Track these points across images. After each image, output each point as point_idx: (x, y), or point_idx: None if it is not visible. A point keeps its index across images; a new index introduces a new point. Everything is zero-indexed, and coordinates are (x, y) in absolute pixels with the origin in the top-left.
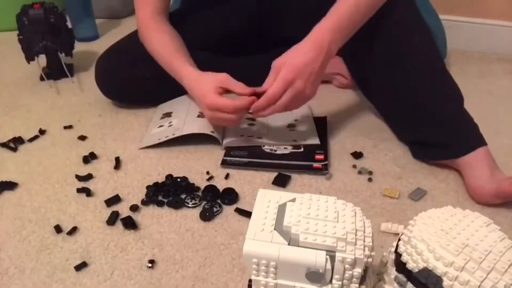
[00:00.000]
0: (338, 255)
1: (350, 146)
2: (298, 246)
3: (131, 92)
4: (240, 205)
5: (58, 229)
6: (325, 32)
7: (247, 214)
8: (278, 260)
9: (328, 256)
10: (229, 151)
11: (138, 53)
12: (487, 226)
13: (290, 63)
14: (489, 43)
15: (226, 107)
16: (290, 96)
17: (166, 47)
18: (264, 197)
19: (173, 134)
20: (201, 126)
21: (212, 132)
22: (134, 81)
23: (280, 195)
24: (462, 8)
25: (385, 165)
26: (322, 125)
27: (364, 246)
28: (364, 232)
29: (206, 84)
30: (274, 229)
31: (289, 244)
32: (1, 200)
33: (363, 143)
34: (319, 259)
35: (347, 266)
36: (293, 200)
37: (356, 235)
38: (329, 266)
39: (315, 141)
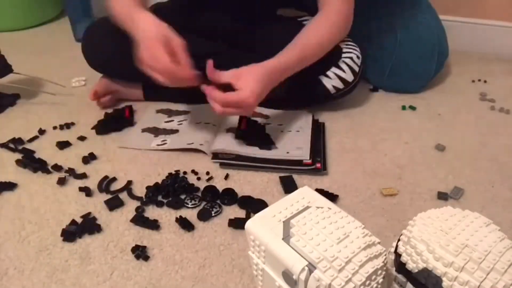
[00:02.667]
0: (316, 273)
1: (349, 146)
2: (289, 244)
3: (117, 66)
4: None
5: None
6: (281, 67)
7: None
8: (266, 247)
9: (307, 268)
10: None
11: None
12: (486, 226)
13: (253, 92)
14: (489, 43)
15: (180, 46)
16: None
17: (125, 3)
18: (302, 193)
19: (157, 145)
20: (189, 140)
21: (201, 145)
22: (120, 55)
23: (317, 199)
24: (462, 9)
25: (384, 165)
26: (318, 131)
27: (349, 280)
28: (359, 269)
29: (157, 26)
30: (283, 221)
31: (282, 239)
32: (0, 200)
33: (363, 143)
34: (297, 265)
35: (321, 287)
36: (321, 207)
37: (346, 264)
38: (303, 278)
39: (304, 156)
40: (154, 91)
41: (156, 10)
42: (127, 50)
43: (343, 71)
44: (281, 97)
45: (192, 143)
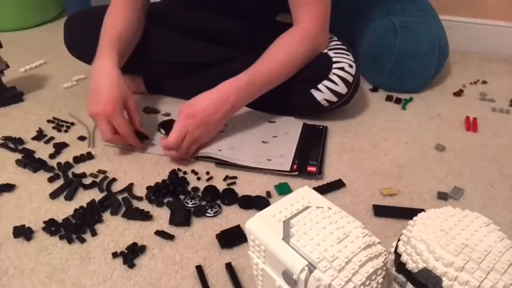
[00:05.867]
0: (316, 273)
1: (349, 146)
2: (289, 244)
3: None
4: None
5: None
6: (234, 90)
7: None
8: (266, 247)
9: (307, 268)
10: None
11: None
12: (486, 226)
13: (192, 114)
14: (489, 43)
15: (121, 127)
16: (188, 144)
17: (112, 28)
18: (302, 193)
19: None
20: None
21: None
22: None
23: (317, 199)
24: (462, 9)
25: (384, 165)
26: (317, 135)
27: (349, 280)
28: (359, 269)
29: (121, 87)
30: (283, 221)
31: (282, 239)
32: (0, 200)
33: (363, 143)
34: (296, 265)
35: (321, 287)
36: (321, 207)
37: (346, 264)
38: (303, 277)
39: (284, 167)
40: (155, 83)
41: (151, 10)
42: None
43: (335, 83)
44: (273, 106)
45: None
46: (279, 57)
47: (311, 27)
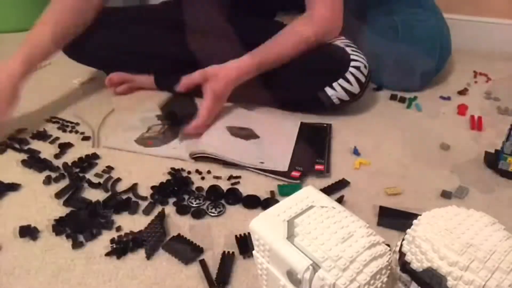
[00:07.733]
0: (321, 272)
1: (352, 147)
2: (293, 244)
3: (91, 55)
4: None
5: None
6: (253, 69)
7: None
8: (270, 246)
9: (312, 267)
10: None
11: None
12: (491, 226)
13: (220, 96)
14: (492, 41)
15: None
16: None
17: (46, 22)
18: (306, 193)
19: (138, 147)
20: (170, 148)
21: (173, 148)
22: (91, 45)
23: (321, 198)
24: (466, 7)
25: (387, 165)
26: (322, 134)
27: (353, 280)
28: (363, 268)
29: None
30: (287, 221)
31: (286, 238)
32: (6, 200)
33: (365, 143)
34: (301, 264)
35: (325, 287)
36: (325, 206)
37: (351, 263)
38: (308, 277)
39: (283, 167)
40: (164, 78)
41: (152, 10)
42: (98, 43)
43: (350, 83)
44: (282, 101)
45: (175, 148)
46: (292, 38)
47: (323, 11)
